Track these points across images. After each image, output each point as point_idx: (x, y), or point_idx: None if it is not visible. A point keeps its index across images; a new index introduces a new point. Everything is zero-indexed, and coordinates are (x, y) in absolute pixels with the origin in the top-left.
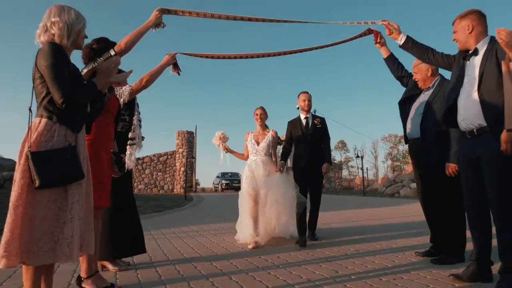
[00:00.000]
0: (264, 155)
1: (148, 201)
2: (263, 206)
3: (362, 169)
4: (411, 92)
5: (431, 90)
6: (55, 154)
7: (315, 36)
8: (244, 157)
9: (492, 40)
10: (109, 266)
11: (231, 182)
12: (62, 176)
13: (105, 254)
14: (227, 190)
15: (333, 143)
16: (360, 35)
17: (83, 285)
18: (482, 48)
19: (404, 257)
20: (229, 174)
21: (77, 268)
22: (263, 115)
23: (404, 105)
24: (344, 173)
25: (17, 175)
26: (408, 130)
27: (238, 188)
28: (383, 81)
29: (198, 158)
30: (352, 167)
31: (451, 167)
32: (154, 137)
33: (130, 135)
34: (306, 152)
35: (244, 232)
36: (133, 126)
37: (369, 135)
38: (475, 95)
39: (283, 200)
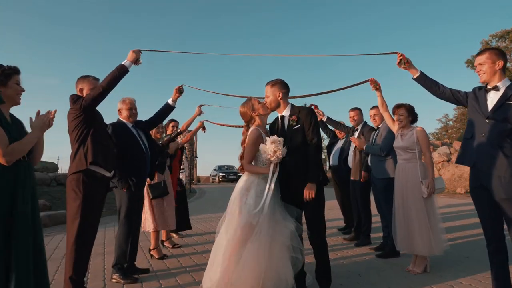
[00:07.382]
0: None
1: None
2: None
3: None
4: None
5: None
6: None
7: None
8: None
9: None
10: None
11: (227, 175)
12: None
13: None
14: (223, 182)
15: None
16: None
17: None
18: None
19: None
20: (225, 167)
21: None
22: None
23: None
24: None
25: None
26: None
27: (233, 180)
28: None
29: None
30: None
31: None
32: None
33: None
34: (285, 165)
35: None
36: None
37: None
38: None
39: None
